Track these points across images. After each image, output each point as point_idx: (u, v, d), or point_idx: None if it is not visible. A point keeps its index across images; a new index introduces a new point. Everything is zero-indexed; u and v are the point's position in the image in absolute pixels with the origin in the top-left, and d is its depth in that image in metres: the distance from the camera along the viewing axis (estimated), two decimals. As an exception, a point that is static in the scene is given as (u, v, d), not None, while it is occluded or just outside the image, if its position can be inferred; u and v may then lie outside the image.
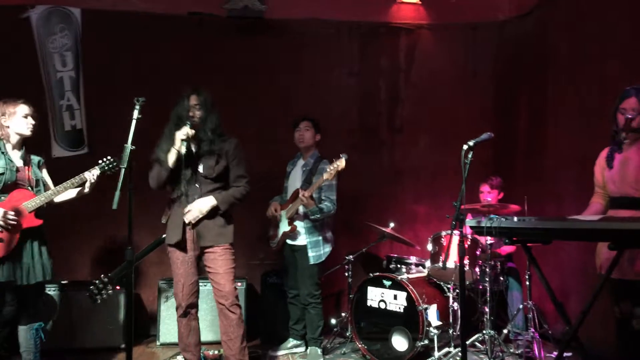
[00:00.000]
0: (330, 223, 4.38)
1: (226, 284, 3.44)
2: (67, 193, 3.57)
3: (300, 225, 4.26)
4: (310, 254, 4.22)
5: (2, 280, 3.27)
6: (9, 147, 3.45)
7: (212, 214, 3.43)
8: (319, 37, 5.54)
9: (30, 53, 4.97)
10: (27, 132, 3.49)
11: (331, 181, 4.18)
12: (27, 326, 3.46)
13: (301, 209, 4.19)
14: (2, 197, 3.34)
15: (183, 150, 3.32)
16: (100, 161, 3.60)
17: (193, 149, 3.46)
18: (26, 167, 3.50)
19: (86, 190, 3.57)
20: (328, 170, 3.92)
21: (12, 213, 3.28)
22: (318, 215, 4.14)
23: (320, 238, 4.26)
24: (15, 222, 3.29)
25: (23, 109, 3.47)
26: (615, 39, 4.06)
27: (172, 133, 3.38)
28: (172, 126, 3.41)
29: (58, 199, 3.56)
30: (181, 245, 3.45)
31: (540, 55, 5.02)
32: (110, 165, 3.61)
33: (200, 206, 3.38)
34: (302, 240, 4.26)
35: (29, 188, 3.46)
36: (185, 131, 3.31)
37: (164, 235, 3.59)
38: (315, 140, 4.40)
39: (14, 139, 3.47)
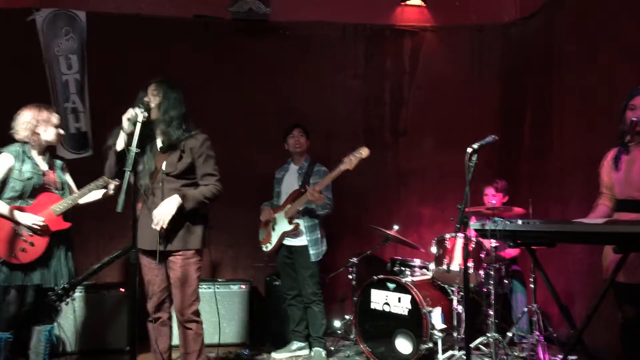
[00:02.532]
0: (322, 223, 4.44)
1: (183, 299, 3.22)
2: (92, 194, 3.63)
3: (301, 224, 4.30)
4: (312, 251, 4.28)
5: (31, 283, 3.34)
6: (34, 152, 3.49)
7: (177, 214, 3.12)
8: (323, 39, 5.55)
9: (36, 56, 5.00)
10: (56, 141, 3.58)
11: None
12: (41, 327, 3.50)
13: (302, 207, 4.23)
14: (30, 201, 3.40)
15: (127, 129, 2.96)
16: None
17: (159, 145, 3.24)
18: (51, 171, 3.55)
19: (111, 192, 3.64)
20: (348, 160, 4.02)
21: (42, 218, 3.34)
22: (327, 210, 4.26)
23: (319, 236, 4.35)
24: (45, 227, 3.35)
25: (56, 118, 3.54)
26: (622, 40, 4.03)
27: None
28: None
29: (83, 200, 3.61)
30: (149, 250, 3.22)
31: (546, 57, 5.00)
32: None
33: (165, 211, 3.08)
34: (302, 239, 4.31)
35: (55, 191, 3.53)
36: (133, 112, 2.95)
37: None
38: (307, 145, 4.52)
39: (41, 145, 3.51)
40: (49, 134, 3.50)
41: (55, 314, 3.62)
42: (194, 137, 3.26)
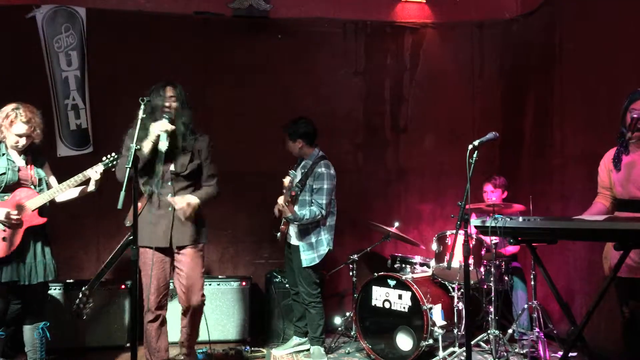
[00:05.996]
0: (326, 224, 4.28)
1: (194, 288, 3.44)
2: (70, 192, 3.53)
3: (291, 229, 4.27)
4: (303, 256, 4.19)
5: (5, 280, 3.28)
6: (9, 148, 3.43)
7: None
8: (324, 36, 5.53)
9: (36, 52, 4.99)
10: (19, 147, 3.45)
11: (322, 185, 4.16)
12: (32, 325, 3.47)
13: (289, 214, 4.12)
14: (5, 197, 3.34)
15: (164, 146, 3.21)
16: (104, 158, 3.53)
17: (166, 145, 3.30)
18: (28, 166, 3.48)
19: (91, 188, 3.53)
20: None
21: (15, 212, 3.28)
22: (302, 222, 4.11)
23: (314, 240, 4.21)
24: (17, 221, 3.29)
25: (18, 128, 3.38)
26: (624, 37, 4.02)
27: (146, 123, 3.21)
28: (147, 116, 3.17)
29: (61, 198, 3.53)
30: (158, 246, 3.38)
31: (547, 54, 4.99)
32: (115, 162, 3.52)
33: (192, 200, 3.33)
34: (295, 240, 4.27)
35: (32, 187, 3.45)
36: (163, 125, 3.22)
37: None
38: (299, 146, 4.32)
39: (12, 143, 3.43)
40: (11, 140, 3.40)
41: (43, 311, 3.55)
42: (200, 139, 3.47)
